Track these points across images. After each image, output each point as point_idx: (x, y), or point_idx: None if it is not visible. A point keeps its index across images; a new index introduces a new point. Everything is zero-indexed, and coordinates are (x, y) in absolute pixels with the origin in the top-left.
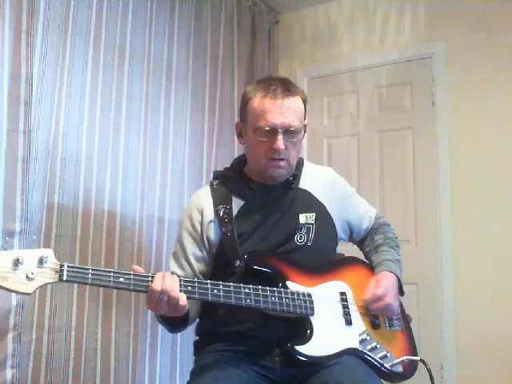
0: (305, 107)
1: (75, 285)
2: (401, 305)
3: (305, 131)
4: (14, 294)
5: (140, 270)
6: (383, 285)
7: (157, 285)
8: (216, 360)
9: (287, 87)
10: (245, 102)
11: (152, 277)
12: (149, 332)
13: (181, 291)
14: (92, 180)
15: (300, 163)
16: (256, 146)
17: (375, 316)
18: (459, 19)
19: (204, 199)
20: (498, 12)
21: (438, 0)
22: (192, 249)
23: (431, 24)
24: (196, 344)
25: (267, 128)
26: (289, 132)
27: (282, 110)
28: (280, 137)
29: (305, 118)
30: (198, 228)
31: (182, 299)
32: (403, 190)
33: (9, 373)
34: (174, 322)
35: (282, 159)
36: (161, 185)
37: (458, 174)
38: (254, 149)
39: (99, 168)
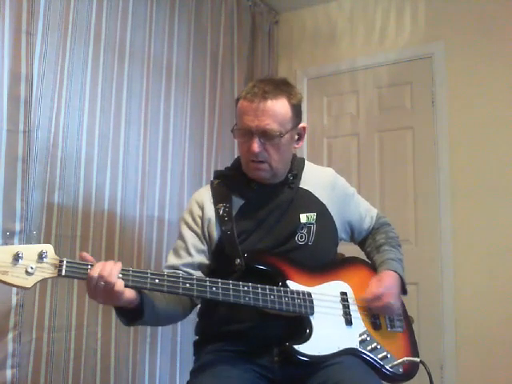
0: (296, 110)
1: (75, 284)
2: (403, 305)
3: (299, 133)
4: (14, 293)
5: (89, 258)
6: (384, 284)
7: (94, 271)
8: (216, 360)
9: (268, 89)
10: (236, 101)
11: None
12: (149, 332)
13: (179, 288)
14: (92, 180)
15: (301, 163)
16: (239, 146)
17: (376, 316)
18: (459, 19)
19: (205, 196)
20: (498, 12)
21: (438, 0)
22: (193, 241)
23: (431, 24)
24: (196, 344)
25: (243, 130)
26: (265, 135)
27: (258, 113)
28: (255, 140)
29: (296, 122)
30: (199, 222)
31: (118, 285)
32: (403, 190)
33: (9, 373)
34: (128, 314)
35: (261, 162)
36: (161, 185)
37: (458, 173)
38: (239, 149)
39: (99, 168)
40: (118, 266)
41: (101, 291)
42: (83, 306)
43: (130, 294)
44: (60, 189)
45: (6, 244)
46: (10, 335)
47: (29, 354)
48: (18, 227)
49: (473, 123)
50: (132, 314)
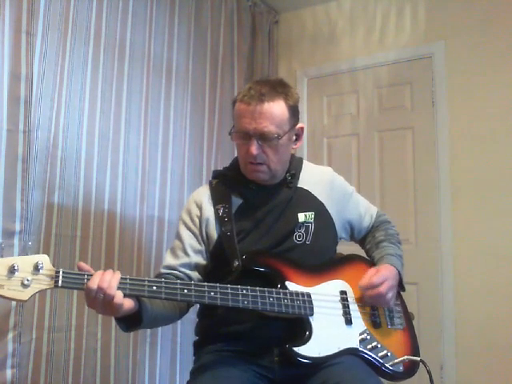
0: (293, 111)
1: None
2: (403, 302)
3: (297, 134)
4: None
5: (87, 267)
6: (381, 274)
7: (93, 282)
8: (216, 360)
9: (264, 92)
10: (232, 103)
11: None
12: (149, 332)
13: (177, 295)
14: (92, 180)
15: (299, 163)
16: (238, 148)
17: (376, 314)
18: (459, 19)
19: (203, 196)
20: (498, 12)
21: (438, 0)
22: (190, 241)
23: (431, 24)
24: (196, 344)
25: (241, 133)
26: (263, 138)
27: (255, 116)
28: (253, 142)
29: (293, 122)
30: (197, 221)
31: (118, 297)
32: (403, 190)
33: (9, 373)
34: (127, 321)
35: (260, 164)
36: (161, 185)
37: (458, 173)
38: (237, 151)
39: (99, 168)
40: (117, 276)
41: (100, 303)
42: (83, 306)
43: (128, 304)
44: (60, 189)
45: (2, 255)
46: (10, 335)
47: (29, 354)
48: (17, 227)
49: (473, 123)
50: (131, 321)
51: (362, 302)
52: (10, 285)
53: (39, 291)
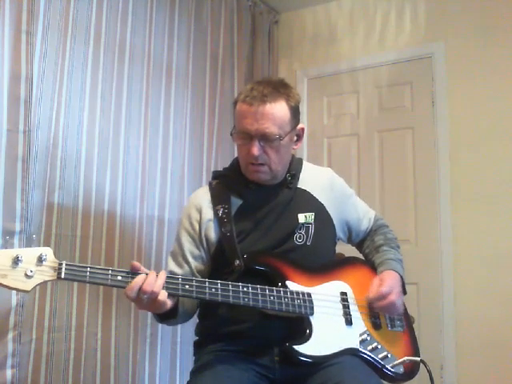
0: (294, 112)
1: (75, 285)
2: (403, 305)
3: (298, 135)
4: (14, 293)
5: (139, 266)
6: (387, 283)
7: (135, 282)
8: (216, 360)
9: (266, 92)
10: (234, 103)
11: (146, 274)
12: (149, 332)
13: (178, 290)
14: (92, 180)
15: (299, 163)
16: (238, 148)
17: (376, 316)
18: (459, 19)
19: (203, 198)
20: (497, 12)
21: (438, 0)
22: (189, 247)
23: (431, 24)
24: (196, 344)
25: (242, 133)
26: (265, 138)
27: (257, 117)
28: (255, 143)
29: (294, 123)
30: (197, 227)
31: (162, 295)
32: (403, 190)
33: (9, 373)
34: (162, 314)
35: (261, 164)
36: (161, 185)
37: (458, 173)
38: (238, 151)
39: (99, 168)
40: (162, 276)
41: (142, 301)
42: (83, 306)
43: (164, 299)
44: (60, 189)
45: (6, 247)
46: (10, 335)
47: (29, 354)
48: (17, 227)
49: (473, 123)
50: (166, 315)
51: (364, 308)
52: (14, 275)
53: (42, 282)
